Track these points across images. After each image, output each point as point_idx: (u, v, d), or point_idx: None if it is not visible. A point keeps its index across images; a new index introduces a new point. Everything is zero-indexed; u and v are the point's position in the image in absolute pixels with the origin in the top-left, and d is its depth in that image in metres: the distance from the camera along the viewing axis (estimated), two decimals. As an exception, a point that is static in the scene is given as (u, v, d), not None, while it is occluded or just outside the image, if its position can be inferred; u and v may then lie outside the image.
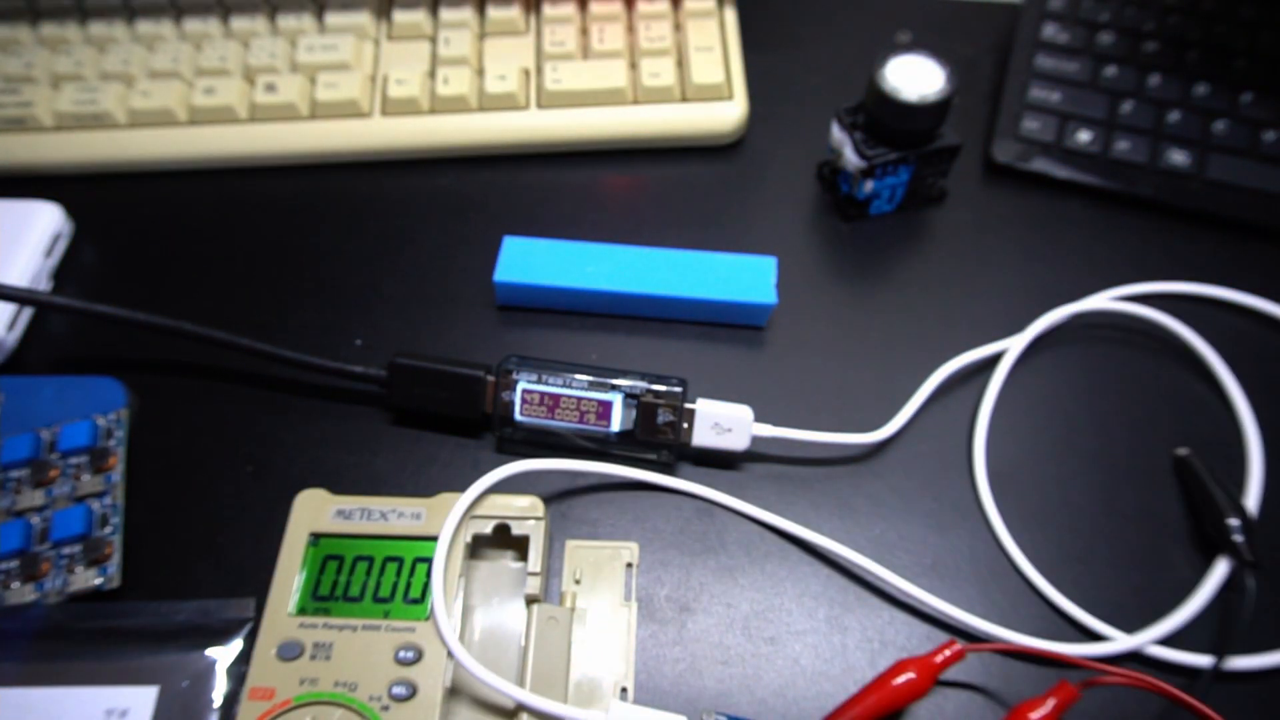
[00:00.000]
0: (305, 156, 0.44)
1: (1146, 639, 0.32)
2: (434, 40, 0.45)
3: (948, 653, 0.30)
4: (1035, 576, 0.33)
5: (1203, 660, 0.31)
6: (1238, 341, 0.38)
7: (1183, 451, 0.36)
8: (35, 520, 0.33)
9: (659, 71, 0.43)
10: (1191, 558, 0.34)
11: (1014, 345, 0.38)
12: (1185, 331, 0.38)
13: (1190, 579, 0.33)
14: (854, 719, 0.29)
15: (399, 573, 0.31)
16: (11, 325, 0.38)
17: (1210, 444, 0.36)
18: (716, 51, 0.44)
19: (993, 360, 0.38)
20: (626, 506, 0.35)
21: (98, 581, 0.32)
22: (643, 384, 0.34)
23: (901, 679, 0.30)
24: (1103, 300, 0.39)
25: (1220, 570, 0.33)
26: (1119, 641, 0.32)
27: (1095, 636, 0.32)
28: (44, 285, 0.40)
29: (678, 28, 0.45)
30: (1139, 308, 0.38)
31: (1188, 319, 0.38)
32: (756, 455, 0.36)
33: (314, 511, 0.32)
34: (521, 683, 0.30)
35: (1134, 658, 0.32)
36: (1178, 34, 0.44)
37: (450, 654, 0.29)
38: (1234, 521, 0.33)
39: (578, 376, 0.34)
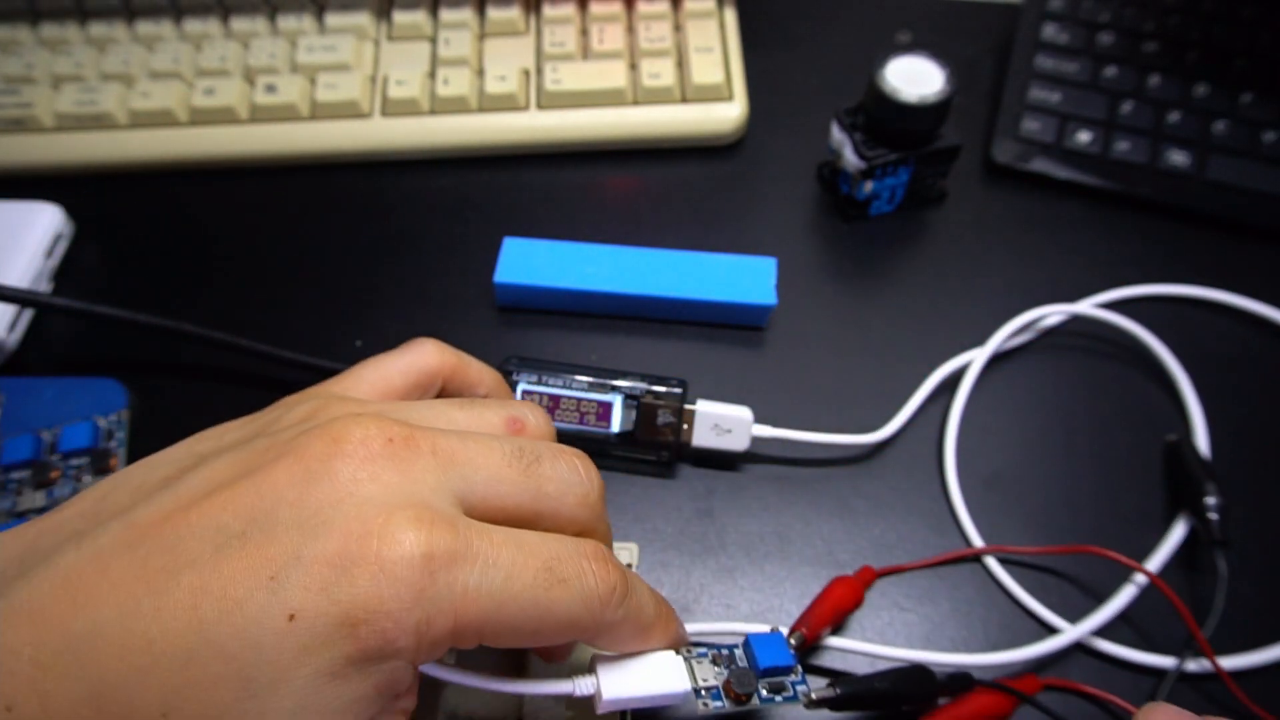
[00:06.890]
0: (305, 157, 0.44)
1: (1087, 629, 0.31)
2: (434, 41, 0.45)
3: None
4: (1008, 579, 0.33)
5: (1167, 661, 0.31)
6: (1234, 344, 0.38)
7: (1173, 437, 0.36)
8: (36, 521, 0.33)
9: (659, 72, 0.43)
10: (1188, 555, 0.34)
11: (977, 356, 0.38)
12: (1147, 336, 0.37)
13: (1179, 574, 0.33)
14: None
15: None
16: (12, 327, 0.38)
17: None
18: (716, 52, 0.44)
19: (992, 361, 0.38)
20: (626, 507, 0.35)
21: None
22: (643, 385, 0.34)
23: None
24: (1061, 310, 0.38)
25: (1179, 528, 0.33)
26: (1066, 634, 0.31)
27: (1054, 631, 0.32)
28: (44, 286, 0.40)
29: (678, 28, 0.45)
30: (1106, 313, 0.38)
31: (1184, 320, 0.38)
32: (756, 456, 0.36)
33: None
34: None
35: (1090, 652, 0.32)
36: (1178, 34, 0.44)
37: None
38: (1210, 500, 0.33)
39: (578, 378, 0.35)
